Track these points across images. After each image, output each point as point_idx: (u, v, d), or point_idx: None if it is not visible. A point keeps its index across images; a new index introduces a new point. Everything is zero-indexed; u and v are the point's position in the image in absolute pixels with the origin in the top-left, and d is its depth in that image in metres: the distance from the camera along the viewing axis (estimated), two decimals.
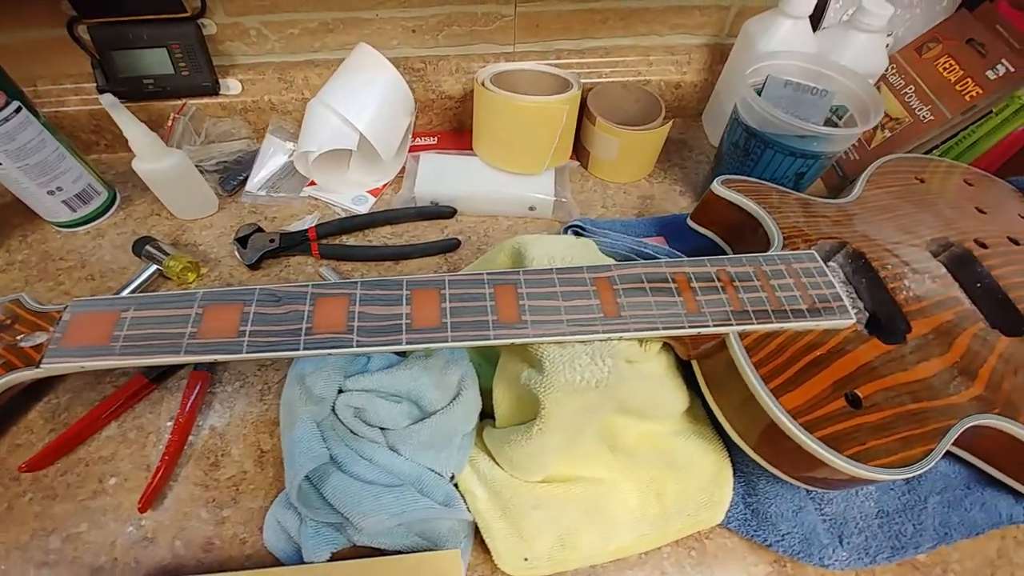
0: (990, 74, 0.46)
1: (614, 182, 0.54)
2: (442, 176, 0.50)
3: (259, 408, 0.39)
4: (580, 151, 0.55)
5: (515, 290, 0.30)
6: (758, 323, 0.30)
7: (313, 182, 0.51)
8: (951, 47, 0.49)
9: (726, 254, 0.43)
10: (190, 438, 0.37)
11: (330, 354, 0.28)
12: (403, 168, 0.52)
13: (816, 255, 0.34)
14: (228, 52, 0.51)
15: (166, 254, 0.44)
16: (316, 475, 0.31)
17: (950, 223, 0.40)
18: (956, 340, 0.33)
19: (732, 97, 0.47)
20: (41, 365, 0.27)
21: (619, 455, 0.35)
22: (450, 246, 0.47)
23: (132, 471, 0.36)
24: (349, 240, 0.49)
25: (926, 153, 0.51)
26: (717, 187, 0.40)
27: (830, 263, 0.39)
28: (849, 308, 0.32)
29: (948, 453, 0.35)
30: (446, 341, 0.28)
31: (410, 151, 0.54)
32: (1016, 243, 0.40)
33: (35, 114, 0.42)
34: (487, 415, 0.36)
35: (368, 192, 0.52)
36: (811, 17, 0.49)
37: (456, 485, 0.34)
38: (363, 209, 0.50)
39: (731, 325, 0.30)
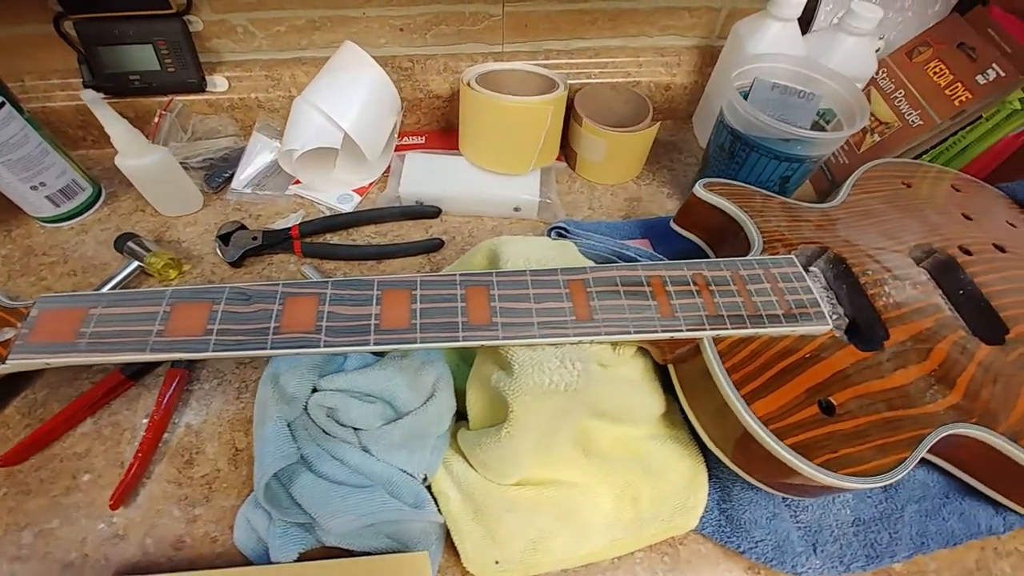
0: (980, 79, 0.45)
1: (601, 184, 0.54)
2: (427, 176, 0.50)
3: (236, 406, 0.38)
4: (568, 152, 0.55)
5: (487, 292, 0.30)
6: (732, 328, 0.30)
7: (298, 180, 0.51)
8: (942, 51, 0.49)
9: (708, 258, 0.42)
10: (165, 435, 0.37)
11: (297, 354, 0.27)
12: (389, 167, 0.52)
13: (795, 260, 0.34)
14: (215, 49, 0.51)
15: (148, 250, 0.44)
16: (285, 475, 0.31)
17: (935, 229, 0.40)
18: (935, 348, 0.33)
19: (721, 99, 0.46)
20: (7, 361, 0.27)
21: (594, 459, 0.34)
22: (433, 246, 0.47)
23: (106, 468, 0.36)
24: (333, 239, 0.49)
25: (916, 158, 0.51)
26: (699, 190, 0.39)
27: (811, 268, 0.38)
28: (826, 314, 0.32)
29: (927, 462, 0.35)
30: (415, 342, 0.28)
31: (397, 150, 0.54)
32: (1002, 250, 0.40)
33: (19, 109, 0.42)
34: (464, 417, 0.36)
35: (354, 191, 0.51)
36: (801, 20, 0.48)
37: (430, 487, 0.34)
38: (348, 208, 0.50)
39: (705, 330, 0.30)
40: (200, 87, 0.51)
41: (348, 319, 0.28)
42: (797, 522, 0.33)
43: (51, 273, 0.45)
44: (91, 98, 0.40)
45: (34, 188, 0.44)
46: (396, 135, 0.52)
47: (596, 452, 0.34)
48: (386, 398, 0.34)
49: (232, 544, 0.33)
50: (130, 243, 0.44)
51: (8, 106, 0.41)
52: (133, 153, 0.43)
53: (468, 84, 0.47)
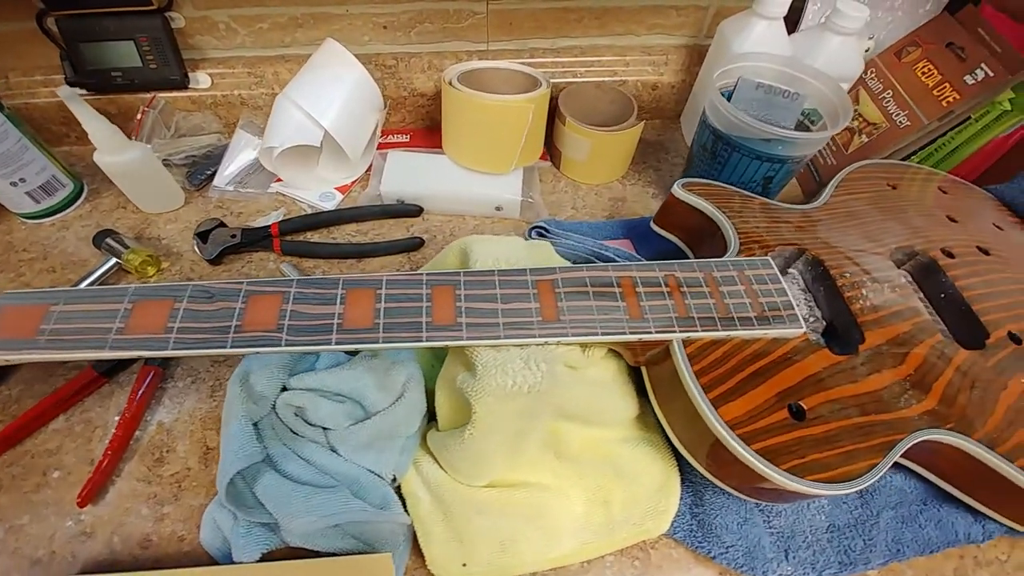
0: (968, 79, 0.45)
1: (586, 183, 0.54)
2: (409, 174, 0.50)
3: (208, 404, 0.38)
4: (553, 152, 0.54)
5: (453, 291, 0.29)
6: (703, 330, 0.30)
7: (280, 178, 0.51)
8: (930, 51, 0.48)
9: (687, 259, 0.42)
10: (137, 433, 0.37)
11: (257, 352, 0.27)
12: (371, 165, 0.52)
13: (771, 262, 0.34)
14: (198, 46, 0.51)
15: (126, 247, 0.44)
16: (251, 474, 0.30)
17: (918, 231, 0.39)
18: (911, 352, 0.32)
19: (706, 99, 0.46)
20: None
21: (565, 461, 0.34)
22: (413, 245, 0.46)
23: (76, 465, 0.36)
24: (313, 237, 0.48)
25: (904, 160, 0.50)
26: (677, 190, 0.39)
27: (790, 270, 0.38)
28: (800, 317, 0.31)
29: (905, 468, 0.35)
30: (377, 342, 0.27)
31: (381, 148, 0.54)
32: (986, 253, 0.39)
33: None
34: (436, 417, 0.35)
35: (336, 189, 0.51)
36: (790, 19, 0.48)
37: (400, 488, 0.34)
38: (330, 206, 0.50)
39: (674, 332, 0.30)
40: (183, 84, 0.51)
41: (311, 318, 0.28)
42: (770, 528, 0.33)
43: (30, 269, 0.45)
44: (67, 94, 0.40)
45: (13, 184, 0.44)
46: (379, 133, 0.52)
47: (567, 455, 0.34)
48: (355, 398, 0.34)
49: (199, 544, 0.32)
50: (108, 240, 0.44)
51: None
52: (111, 149, 0.43)
53: (450, 83, 0.46)
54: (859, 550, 0.33)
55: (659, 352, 0.31)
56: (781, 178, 0.43)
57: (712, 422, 0.27)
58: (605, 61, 0.55)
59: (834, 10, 0.45)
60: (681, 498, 0.34)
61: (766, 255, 0.35)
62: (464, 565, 0.31)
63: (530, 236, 0.45)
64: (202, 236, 0.45)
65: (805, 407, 0.29)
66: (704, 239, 0.39)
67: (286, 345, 0.27)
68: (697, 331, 0.30)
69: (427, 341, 0.27)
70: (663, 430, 0.34)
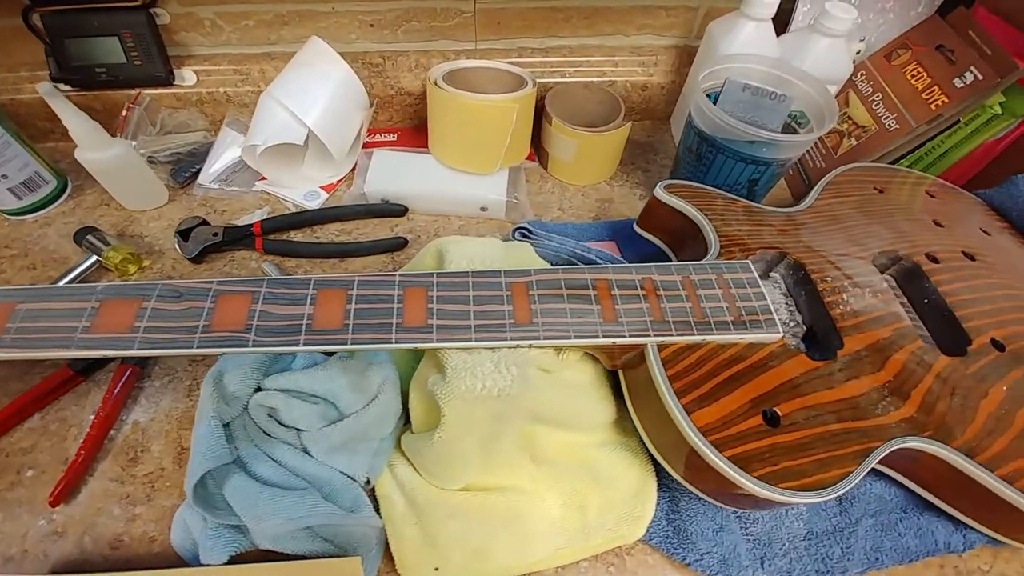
0: (957, 82, 0.44)
1: (573, 184, 0.53)
2: (394, 174, 0.49)
3: (185, 404, 0.38)
4: (540, 152, 0.54)
5: (426, 293, 0.29)
6: (677, 335, 0.29)
7: (265, 176, 0.50)
8: (920, 54, 0.48)
9: (670, 261, 0.41)
10: (112, 432, 0.37)
11: (224, 353, 0.27)
12: (356, 164, 0.52)
13: (750, 265, 0.33)
14: (183, 42, 0.51)
15: (107, 244, 0.44)
16: (220, 475, 0.30)
17: (902, 236, 0.39)
18: (891, 358, 0.32)
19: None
20: None
21: (542, 465, 0.34)
22: (397, 245, 0.46)
23: (50, 464, 0.35)
24: (297, 236, 0.48)
25: (893, 163, 0.49)
26: (659, 192, 0.38)
27: (772, 274, 0.37)
28: (777, 322, 0.31)
29: (886, 476, 0.34)
30: (345, 344, 0.27)
31: (369, 147, 0.53)
32: (971, 258, 0.39)
33: None
34: None
35: (321, 188, 0.51)
36: (779, 21, 0.47)
37: (374, 490, 0.33)
38: (314, 205, 0.50)
39: (648, 336, 0.29)
40: (168, 81, 0.50)
41: (280, 319, 0.28)
42: (747, 535, 0.33)
43: (11, 266, 0.45)
44: (47, 91, 0.40)
45: None
46: (364, 132, 0.51)
47: (543, 458, 0.34)
48: (329, 399, 0.33)
49: (170, 545, 0.32)
50: (89, 237, 0.44)
51: None
52: (92, 146, 0.43)
53: (435, 83, 0.46)
54: (836, 558, 0.32)
55: (634, 356, 0.31)
56: (766, 181, 0.43)
57: (684, 428, 0.27)
58: (594, 61, 0.55)
59: (822, 12, 0.44)
60: (657, 504, 0.33)
61: (747, 258, 0.35)
62: (436, 569, 0.31)
63: (513, 237, 0.45)
64: (183, 234, 0.45)
65: (780, 413, 0.28)
66: (686, 241, 0.39)
67: (253, 346, 0.26)
68: (672, 335, 0.29)
69: (396, 343, 0.27)
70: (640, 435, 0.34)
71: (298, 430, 0.33)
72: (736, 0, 0.47)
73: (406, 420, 0.35)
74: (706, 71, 0.43)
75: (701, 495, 0.30)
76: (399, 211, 0.49)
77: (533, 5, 0.51)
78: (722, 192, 0.40)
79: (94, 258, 0.43)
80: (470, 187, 0.48)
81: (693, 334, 0.30)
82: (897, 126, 0.47)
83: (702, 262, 0.33)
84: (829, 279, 0.35)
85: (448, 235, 0.48)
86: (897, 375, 0.31)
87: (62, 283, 0.42)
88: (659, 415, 0.29)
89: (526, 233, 0.44)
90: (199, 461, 0.28)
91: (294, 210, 0.50)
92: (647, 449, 0.35)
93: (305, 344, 0.27)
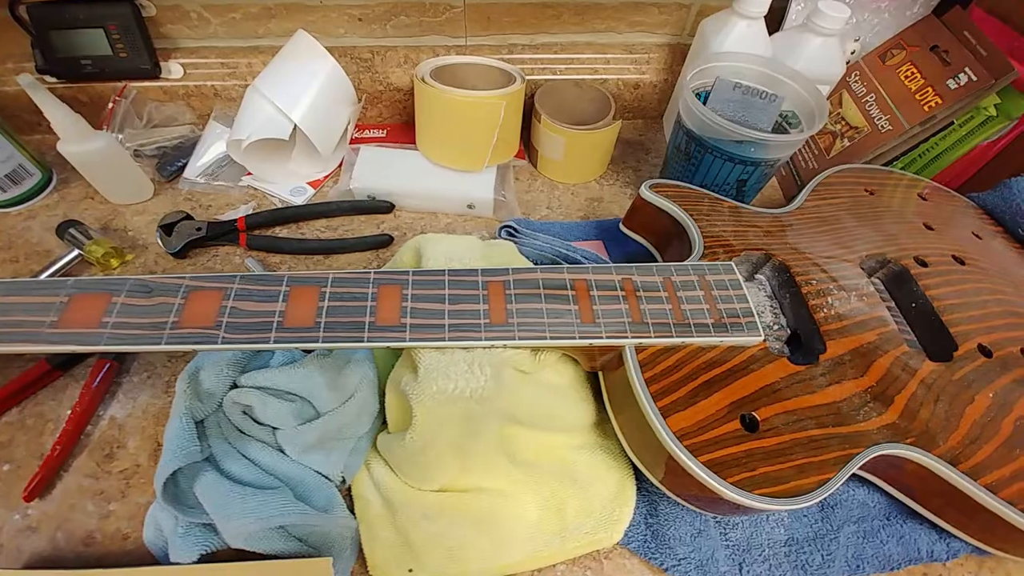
0: (951, 83, 0.43)
1: (563, 182, 0.53)
2: (381, 170, 0.49)
3: (163, 400, 0.38)
4: (530, 150, 0.54)
5: (400, 291, 0.29)
6: (656, 336, 0.29)
7: (251, 172, 0.50)
8: (914, 54, 0.47)
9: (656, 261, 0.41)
10: (89, 428, 0.36)
11: (192, 350, 0.26)
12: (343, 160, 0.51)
13: (733, 267, 0.33)
14: (169, 35, 0.50)
15: (89, 238, 0.43)
16: (191, 473, 0.30)
17: (891, 239, 0.38)
18: (874, 363, 0.31)
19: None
20: None
21: (520, 467, 0.33)
22: (381, 242, 0.46)
23: (26, 458, 0.35)
24: (282, 232, 0.48)
25: (886, 165, 0.49)
26: (644, 191, 0.38)
27: (757, 275, 0.37)
28: (759, 325, 0.30)
29: (870, 482, 0.34)
30: (316, 341, 0.27)
31: (357, 143, 0.53)
32: (961, 262, 0.38)
33: None
34: None
35: (308, 184, 0.50)
36: (773, 20, 0.47)
37: (350, 489, 0.33)
38: (300, 200, 0.49)
39: (626, 338, 0.29)
40: (154, 73, 0.50)
41: (251, 315, 0.27)
42: (726, 540, 0.32)
43: None
44: (28, 83, 0.39)
45: None
46: (352, 128, 0.51)
47: (522, 460, 0.33)
48: (306, 397, 0.33)
49: (143, 542, 0.32)
50: (71, 230, 0.43)
51: None
52: (75, 139, 0.42)
53: (422, 79, 0.45)
54: (817, 565, 0.32)
55: (612, 358, 0.30)
56: (756, 181, 0.42)
57: (660, 432, 0.27)
58: (585, 59, 0.54)
59: (815, 10, 0.44)
60: (636, 507, 0.33)
61: (731, 260, 0.34)
62: (410, 571, 0.31)
63: (500, 235, 0.44)
64: (166, 229, 0.44)
65: (759, 418, 0.28)
66: (671, 242, 0.38)
67: (222, 343, 0.26)
68: (650, 337, 0.29)
69: (368, 342, 0.27)
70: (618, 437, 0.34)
71: (274, 428, 0.33)
72: None
73: (384, 419, 0.35)
74: (695, 69, 0.42)
75: (678, 500, 0.30)
76: (385, 208, 0.48)
77: (523, 1, 0.51)
78: (709, 192, 0.39)
79: (76, 252, 0.43)
80: (457, 184, 0.48)
81: (672, 336, 0.29)
82: (890, 127, 0.46)
83: (684, 263, 0.33)
84: (814, 282, 0.34)
85: (435, 233, 0.48)
86: (880, 380, 0.31)
87: (43, 276, 0.42)
88: (636, 418, 0.28)
89: (512, 232, 0.44)
90: (168, 458, 0.28)
91: (280, 206, 0.49)
92: (626, 452, 0.34)
93: (275, 341, 0.26)
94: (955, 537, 0.33)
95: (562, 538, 0.32)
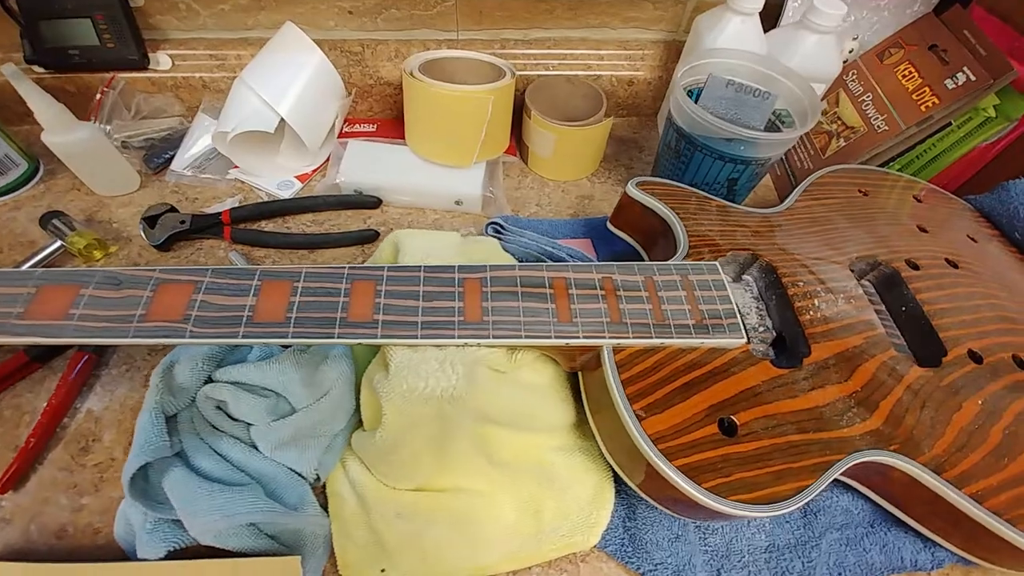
0: (949, 83, 0.42)
1: (553, 179, 0.52)
2: (369, 165, 0.48)
3: (141, 394, 0.37)
4: (521, 146, 0.53)
5: (374, 287, 0.28)
6: (634, 337, 0.28)
7: (237, 165, 0.49)
8: (912, 53, 0.46)
9: (643, 260, 0.40)
10: (66, 420, 0.36)
11: (159, 343, 0.26)
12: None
13: (718, 267, 0.32)
14: (158, 26, 0.50)
15: (72, 229, 0.43)
16: (161, 468, 0.29)
17: (883, 241, 0.38)
18: (860, 367, 0.30)
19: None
20: None
21: (498, 467, 0.33)
22: (367, 237, 0.45)
23: (1, 451, 0.35)
24: (268, 226, 0.47)
25: (883, 166, 0.48)
26: (631, 189, 0.37)
27: (745, 276, 0.36)
28: (742, 327, 0.30)
29: (854, 488, 0.33)
30: (286, 337, 0.26)
31: (346, 136, 0.52)
32: (954, 266, 0.37)
33: None
34: None
35: (296, 178, 0.50)
36: (769, 17, 0.46)
37: (325, 487, 0.33)
38: (287, 194, 0.49)
39: (603, 338, 0.28)
40: (142, 64, 0.50)
41: (220, 309, 0.27)
42: (705, 545, 0.32)
43: None
44: (11, 72, 0.39)
45: None
46: (339, 122, 0.50)
47: (499, 460, 0.33)
48: (281, 393, 0.33)
49: (114, 537, 0.32)
50: (55, 221, 0.43)
51: None
52: (58, 129, 0.42)
53: (411, 74, 0.45)
54: (797, 572, 0.31)
55: (590, 358, 0.30)
56: (746, 180, 0.41)
57: (634, 434, 0.26)
58: (579, 54, 0.54)
59: (810, 7, 0.43)
60: (615, 511, 0.32)
61: (717, 260, 0.34)
62: (383, 571, 0.30)
63: (486, 232, 0.44)
64: (150, 221, 0.44)
65: (737, 422, 0.27)
66: (657, 240, 0.37)
67: (190, 337, 0.26)
68: (628, 338, 0.28)
69: (339, 338, 0.26)
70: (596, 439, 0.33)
71: (248, 424, 0.32)
72: None
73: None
74: (687, 66, 0.41)
75: (655, 504, 0.29)
76: (372, 203, 0.48)
77: None
78: (697, 191, 0.38)
79: (59, 243, 0.43)
80: (445, 180, 0.47)
81: (651, 337, 0.28)
82: (886, 127, 0.45)
83: (667, 262, 0.32)
84: (801, 283, 0.33)
85: (423, 228, 0.47)
86: (865, 385, 0.30)
87: (25, 267, 0.42)
88: (612, 420, 0.28)
89: (499, 229, 0.43)
90: (135, 453, 0.28)
91: (267, 199, 0.49)
92: (603, 455, 0.34)
93: (244, 336, 0.26)
94: (940, 546, 0.32)
95: (538, 540, 0.31)
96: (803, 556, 0.31)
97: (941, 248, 0.38)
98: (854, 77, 0.49)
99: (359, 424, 0.34)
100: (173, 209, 0.45)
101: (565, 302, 0.29)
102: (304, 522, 0.29)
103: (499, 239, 0.41)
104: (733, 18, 0.45)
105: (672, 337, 0.29)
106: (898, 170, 0.48)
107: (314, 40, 0.46)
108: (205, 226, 0.45)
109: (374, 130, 0.55)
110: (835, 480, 0.32)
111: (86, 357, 0.37)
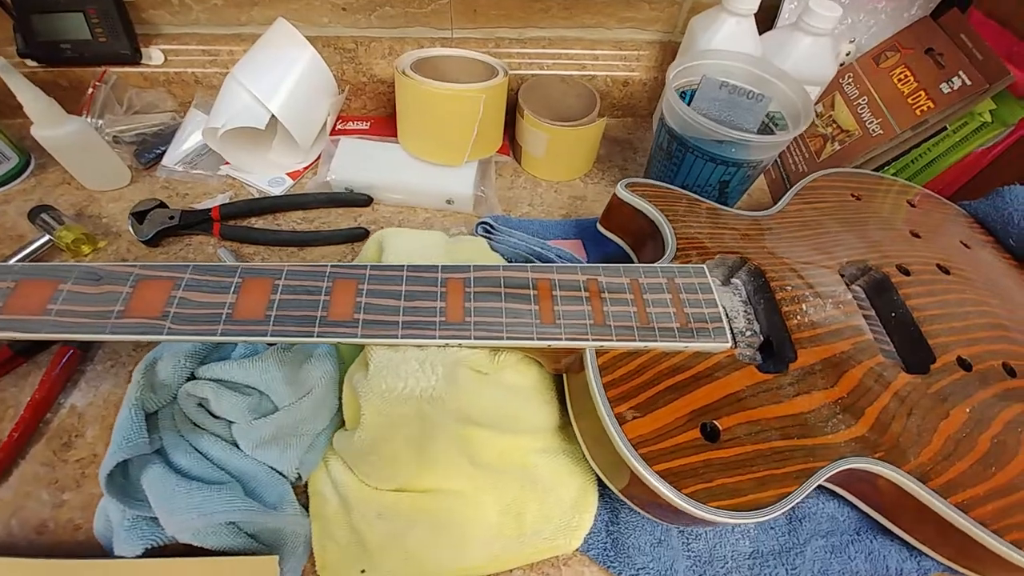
0: (944, 87, 0.42)
1: (546, 180, 0.52)
2: (360, 163, 0.48)
3: (125, 390, 0.37)
4: (515, 146, 0.53)
5: (356, 286, 0.28)
6: (617, 340, 0.28)
7: (228, 161, 0.49)
8: (908, 57, 0.46)
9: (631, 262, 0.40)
10: (49, 415, 0.36)
11: (136, 340, 0.26)
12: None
13: (705, 270, 0.32)
14: (151, 20, 0.50)
15: (60, 224, 0.43)
16: (140, 465, 0.29)
17: (874, 246, 0.37)
18: (846, 373, 0.30)
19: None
20: None
21: (481, 469, 0.32)
22: (356, 235, 0.45)
23: None
24: (258, 223, 0.47)
25: (878, 170, 0.48)
26: (620, 190, 0.37)
27: (734, 280, 0.36)
28: (727, 331, 0.29)
29: (839, 496, 0.33)
30: (265, 335, 0.26)
31: (339, 134, 0.52)
32: (946, 272, 0.37)
33: None
34: None
35: (287, 175, 0.50)
36: (766, 18, 0.46)
37: (307, 486, 0.32)
38: (279, 191, 0.49)
39: (586, 340, 0.28)
40: (134, 59, 0.49)
41: (200, 307, 0.27)
42: (688, 551, 0.31)
43: None
44: (0, 66, 0.39)
45: None
46: (331, 119, 0.50)
47: (482, 462, 0.32)
48: (263, 391, 0.32)
49: (94, 534, 0.31)
50: (43, 215, 0.43)
51: None
52: (47, 123, 0.42)
53: (402, 72, 0.44)
54: None
55: (574, 360, 0.30)
56: (738, 183, 0.41)
57: (615, 438, 0.26)
58: (574, 54, 0.53)
59: (805, 9, 0.42)
60: (598, 514, 0.32)
61: (705, 262, 0.33)
62: (363, 572, 0.30)
63: (476, 232, 0.43)
64: (138, 216, 0.44)
65: (720, 427, 0.27)
66: (646, 242, 0.37)
67: (168, 334, 0.25)
68: (612, 340, 0.28)
69: (318, 337, 0.26)
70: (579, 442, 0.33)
71: (230, 422, 0.32)
72: None
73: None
74: (679, 67, 0.41)
75: (637, 508, 0.29)
76: (363, 201, 0.47)
77: None
78: (687, 193, 0.38)
79: (47, 237, 0.43)
80: (437, 179, 0.47)
81: (634, 340, 0.28)
82: (881, 131, 0.45)
83: (654, 264, 0.32)
84: (789, 287, 0.33)
85: (414, 227, 0.47)
86: (852, 392, 0.30)
87: (12, 261, 0.42)
88: (593, 424, 0.27)
89: (489, 228, 0.43)
90: (113, 450, 0.28)
91: (257, 196, 0.49)
92: (586, 458, 0.33)
93: (223, 334, 0.26)
94: (926, 555, 0.32)
95: (520, 543, 0.31)
96: (787, 563, 0.31)
97: (933, 254, 0.38)
98: (850, 80, 0.49)
99: (342, 423, 0.34)
100: (162, 205, 0.45)
101: (549, 303, 0.29)
102: (283, 521, 0.29)
103: (489, 239, 0.41)
104: (728, 19, 0.44)
105: (656, 340, 0.28)
106: (893, 174, 0.48)
107: (307, 37, 0.46)
108: (194, 222, 0.44)
109: (367, 128, 0.54)
110: (821, 487, 0.32)
111: (71, 352, 0.37)
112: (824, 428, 0.28)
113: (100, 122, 0.50)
